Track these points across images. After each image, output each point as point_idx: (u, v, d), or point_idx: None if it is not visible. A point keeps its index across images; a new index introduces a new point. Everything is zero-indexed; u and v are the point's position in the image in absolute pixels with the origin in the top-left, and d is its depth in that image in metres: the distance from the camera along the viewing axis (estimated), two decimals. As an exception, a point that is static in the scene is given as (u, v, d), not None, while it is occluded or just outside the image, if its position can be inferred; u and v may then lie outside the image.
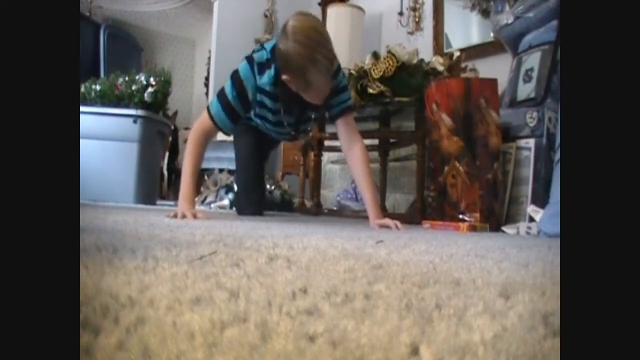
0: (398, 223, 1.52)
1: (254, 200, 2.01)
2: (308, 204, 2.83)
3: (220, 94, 1.62)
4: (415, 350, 0.27)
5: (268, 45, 1.61)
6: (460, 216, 1.93)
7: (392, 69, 2.18)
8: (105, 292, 0.34)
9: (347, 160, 1.73)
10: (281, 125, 1.77)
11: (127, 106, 2.81)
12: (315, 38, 1.40)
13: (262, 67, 1.57)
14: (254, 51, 1.63)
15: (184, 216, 1.41)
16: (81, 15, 4.71)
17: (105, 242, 0.62)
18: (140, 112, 2.79)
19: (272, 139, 2.07)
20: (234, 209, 2.82)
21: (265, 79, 1.56)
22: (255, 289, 0.39)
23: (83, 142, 2.55)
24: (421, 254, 0.74)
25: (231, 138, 2.17)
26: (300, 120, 1.78)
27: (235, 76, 1.60)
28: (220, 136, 2.23)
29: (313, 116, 1.79)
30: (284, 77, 1.48)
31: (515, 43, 2.29)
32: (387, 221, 1.54)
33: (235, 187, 2.34)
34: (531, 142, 1.94)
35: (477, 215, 1.88)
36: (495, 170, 1.92)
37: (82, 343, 0.25)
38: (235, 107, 1.60)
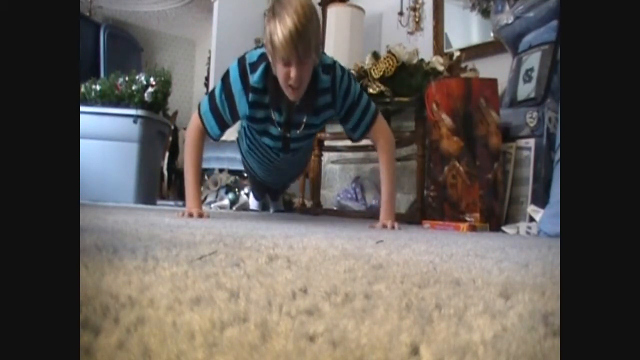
0: (396, 225, 1.58)
1: (256, 195, 2.68)
2: (308, 204, 2.83)
3: (210, 97, 1.60)
4: (415, 350, 0.27)
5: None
6: (461, 216, 1.93)
7: (392, 69, 2.18)
8: (105, 292, 0.34)
9: None
10: (270, 123, 1.62)
11: (127, 106, 2.81)
12: (294, 6, 1.32)
13: (255, 65, 1.51)
14: (247, 52, 1.58)
15: (191, 215, 1.49)
16: (81, 15, 4.70)
17: (105, 242, 0.62)
18: (140, 112, 2.79)
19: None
20: (234, 208, 2.84)
21: (256, 77, 1.50)
22: (255, 289, 0.39)
23: (83, 142, 2.55)
24: (421, 254, 0.74)
25: (232, 137, 2.19)
26: (291, 122, 1.63)
27: (225, 80, 1.57)
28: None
29: (305, 120, 1.62)
30: (265, 50, 1.43)
31: (515, 43, 2.29)
32: (384, 223, 1.59)
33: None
34: (531, 142, 1.94)
35: (477, 215, 1.88)
36: (495, 170, 1.92)
37: (82, 343, 0.26)
38: (222, 113, 1.57)
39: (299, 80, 1.42)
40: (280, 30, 1.31)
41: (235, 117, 1.61)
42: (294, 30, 1.30)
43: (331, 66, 1.56)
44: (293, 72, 1.39)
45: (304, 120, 1.61)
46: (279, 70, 1.42)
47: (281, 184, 2.27)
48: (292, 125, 1.63)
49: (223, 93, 1.56)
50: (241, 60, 1.55)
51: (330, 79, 1.55)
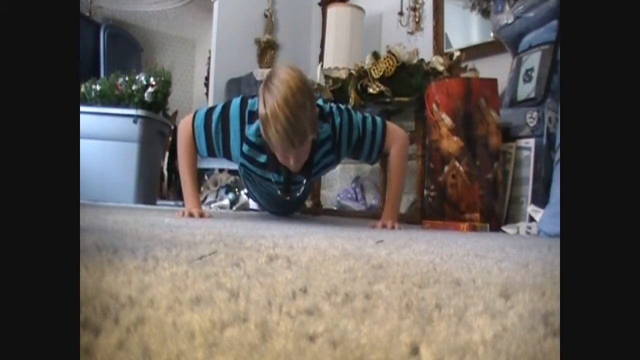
0: (396, 225, 1.56)
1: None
2: (308, 204, 2.83)
3: (207, 116, 1.50)
4: (415, 350, 0.27)
5: None
6: (461, 216, 1.93)
7: (392, 69, 2.18)
8: (105, 292, 0.34)
9: None
10: (268, 181, 1.57)
11: (127, 106, 2.81)
12: (283, 93, 1.22)
13: (253, 116, 1.41)
14: (252, 96, 1.48)
15: (191, 215, 1.46)
16: (81, 15, 4.70)
17: (105, 242, 0.62)
18: (140, 112, 2.79)
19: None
20: (234, 208, 2.84)
21: (252, 130, 1.42)
22: (255, 289, 0.39)
23: (83, 142, 2.55)
24: (421, 254, 0.74)
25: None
26: (290, 181, 1.56)
27: (225, 109, 1.48)
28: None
29: (304, 181, 1.57)
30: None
31: (515, 43, 2.29)
32: (385, 223, 1.57)
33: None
34: (531, 142, 1.94)
35: (477, 215, 1.88)
36: (495, 170, 1.92)
37: (82, 343, 0.25)
38: (214, 141, 1.49)
39: (298, 162, 1.37)
40: (274, 125, 1.22)
41: (227, 155, 1.51)
42: (287, 125, 1.21)
43: (329, 113, 1.48)
44: (292, 159, 1.33)
45: (304, 181, 1.56)
46: (277, 152, 1.35)
47: (289, 211, 2.17)
48: (292, 183, 1.57)
49: (220, 121, 1.47)
50: (243, 103, 1.46)
51: (330, 126, 1.47)
